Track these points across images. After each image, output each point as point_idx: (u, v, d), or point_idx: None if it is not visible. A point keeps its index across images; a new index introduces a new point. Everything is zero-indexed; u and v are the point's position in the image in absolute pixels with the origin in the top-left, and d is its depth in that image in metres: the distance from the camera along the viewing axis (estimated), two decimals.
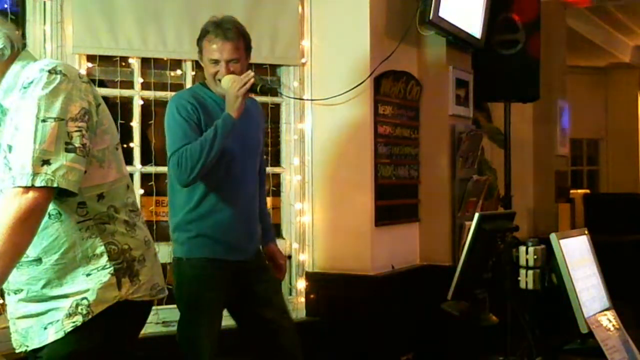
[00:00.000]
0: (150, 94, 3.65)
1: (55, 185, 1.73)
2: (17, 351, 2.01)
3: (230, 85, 2.79)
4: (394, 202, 4.16)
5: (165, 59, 3.74)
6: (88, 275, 1.90)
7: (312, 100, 4.05)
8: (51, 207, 1.83)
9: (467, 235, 2.48)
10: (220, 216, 2.85)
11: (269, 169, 4.01)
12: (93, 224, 1.91)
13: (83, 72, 3.45)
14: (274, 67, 4.02)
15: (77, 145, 1.79)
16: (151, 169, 3.63)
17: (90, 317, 1.88)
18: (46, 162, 1.74)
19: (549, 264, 2.35)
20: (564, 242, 2.35)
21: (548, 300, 2.38)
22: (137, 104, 3.62)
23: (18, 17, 3.31)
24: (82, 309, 1.88)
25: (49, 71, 1.82)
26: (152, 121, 3.65)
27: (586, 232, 2.58)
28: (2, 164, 1.84)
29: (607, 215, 7.62)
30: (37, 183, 1.72)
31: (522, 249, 2.41)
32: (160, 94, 3.67)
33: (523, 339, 2.48)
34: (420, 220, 4.42)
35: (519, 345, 2.61)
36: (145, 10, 3.60)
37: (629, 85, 10.60)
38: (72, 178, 1.77)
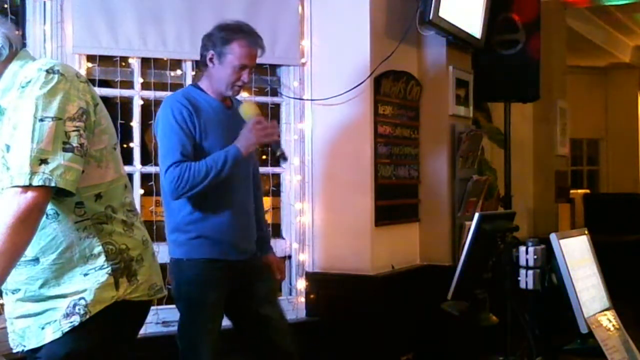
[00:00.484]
0: (150, 94, 3.65)
1: (53, 184, 1.73)
2: (14, 351, 2.01)
3: (255, 126, 2.77)
4: (394, 202, 4.16)
5: (165, 59, 3.74)
6: (86, 275, 1.90)
7: (312, 100, 4.05)
8: (49, 207, 1.83)
9: (467, 235, 2.48)
10: (218, 217, 2.85)
11: (269, 169, 4.01)
12: (91, 224, 1.91)
13: (82, 72, 3.46)
14: (274, 67, 4.02)
15: (74, 145, 1.79)
16: (151, 169, 3.63)
17: (87, 317, 1.87)
18: (44, 162, 1.74)
19: (549, 264, 2.35)
20: (564, 242, 2.35)
21: (548, 300, 2.38)
22: (137, 104, 3.62)
23: (18, 17, 3.31)
24: (79, 309, 1.87)
25: (47, 71, 1.82)
26: (152, 121, 3.64)
27: (586, 232, 2.58)
28: (0, 163, 1.84)
29: (607, 215, 7.62)
30: (35, 182, 1.72)
31: (522, 249, 2.40)
32: (160, 94, 3.66)
33: (523, 339, 2.48)
34: (420, 220, 4.42)
35: (519, 345, 2.61)
36: (145, 10, 3.60)
37: (629, 85, 10.60)
38: (70, 178, 1.77)
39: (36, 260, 1.89)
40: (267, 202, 3.83)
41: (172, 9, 3.67)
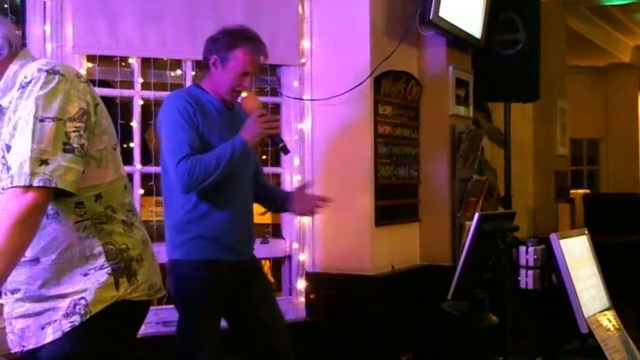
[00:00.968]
0: (150, 94, 3.65)
1: (53, 185, 1.73)
2: (12, 351, 2.01)
3: (257, 118, 2.78)
4: (394, 202, 4.16)
5: (165, 59, 3.74)
6: (86, 275, 1.90)
7: (312, 100, 4.05)
8: (49, 207, 1.82)
9: (467, 235, 2.48)
10: (217, 217, 2.85)
11: (269, 169, 4.01)
12: (91, 224, 1.91)
13: (83, 72, 3.45)
14: (274, 67, 4.02)
15: (75, 145, 1.79)
16: (151, 169, 3.63)
17: (88, 317, 1.87)
18: (44, 162, 1.73)
19: (549, 264, 2.35)
20: (564, 242, 2.35)
21: (548, 300, 2.38)
22: (137, 104, 3.62)
23: (18, 17, 3.31)
24: (80, 309, 1.87)
25: (47, 71, 1.82)
26: (152, 121, 3.64)
27: (586, 232, 2.58)
28: (0, 164, 1.83)
29: (607, 215, 7.62)
30: (35, 183, 1.71)
31: (522, 249, 2.41)
32: (160, 94, 3.66)
33: (523, 339, 2.48)
34: (420, 220, 4.42)
35: (519, 345, 2.61)
36: (145, 10, 3.59)
37: (629, 85, 10.59)
38: (70, 178, 1.77)
39: (36, 260, 1.89)
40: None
41: (172, 9, 3.67)
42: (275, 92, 4.06)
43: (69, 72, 1.86)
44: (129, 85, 3.64)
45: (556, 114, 6.52)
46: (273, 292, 3.22)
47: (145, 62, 3.67)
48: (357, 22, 3.98)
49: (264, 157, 3.87)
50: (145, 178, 3.65)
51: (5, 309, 2.00)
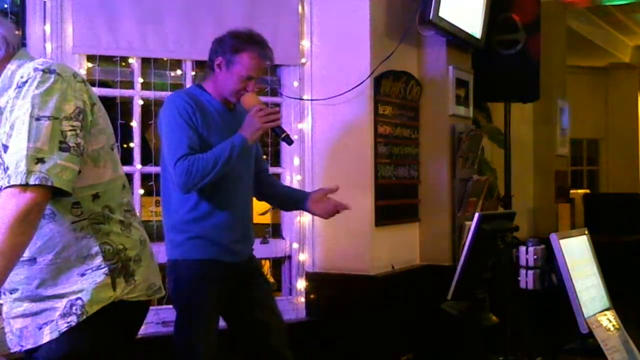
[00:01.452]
0: (150, 94, 3.65)
1: (49, 183, 1.73)
2: (11, 351, 2.01)
3: (256, 112, 2.77)
4: (394, 202, 4.16)
5: (165, 59, 3.74)
6: (83, 275, 1.89)
7: (312, 100, 4.05)
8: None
9: (467, 235, 2.48)
10: (217, 218, 2.85)
11: (269, 169, 4.00)
12: (88, 224, 1.90)
13: (83, 72, 3.45)
14: (274, 67, 4.02)
15: (71, 144, 1.79)
16: (151, 169, 3.63)
17: (84, 317, 1.87)
18: (40, 161, 1.73)
19: (549, 264, 2.35)
20: (564, 242, 2.35)
21: (548, 300, 2.38)
22: (137, 104, 3.62)
23: (18, 17, 3.31)
24: (76, 309, 1.87)
25: (44, 70, 1.81)
26: (152, 121, 3.64)
27: (586, 232, 2.58)
28: None
29: (607, 215, 7.62)
30: (32, 181, 1.71)
31: (522, 249, 2.41)
32: (160, 94, 3.66)
33: (523, 339, 2.48)
34: (420, 220, 4.42)
35: (519, 345, 2.61)
36: (145, 10, 3.59)
37: (629, 85, 10.60)
38: (66, 177, 1.76)
39: (33, 260, 1.88)
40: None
41: (172, 9, 3.67)
42: (275, 92, 4.06)
43: (66, 72, 1.86)
44: (129, 85, 3.64)
45: (556, 114, 6.52)
46: (272, 292, 3.22)
47: (145, 62, 3.66)
48: (357, 22, 3.98)
49: (264, 157, 3.86)
50: (145, 178, 3.64)
51: (4, 308, 2.00)
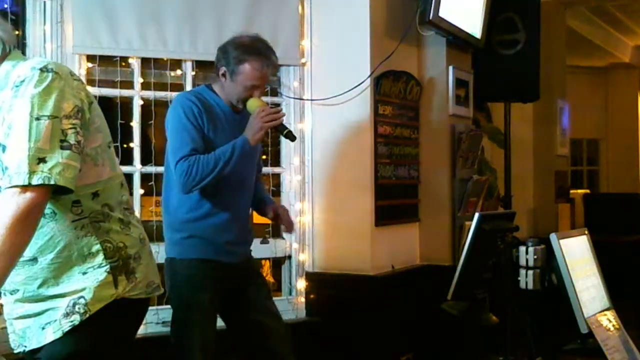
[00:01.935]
0: (150, 94, 3.65)
1: (52, 182, 1.72)
2: (15, 352, 2.01)
3: (258, 113, 2.78)
4: (394, 202, 4.16)
5: (165, 59, 3.74)
6: (84, 273, 1.89)
7: (312, 100, 4.05)
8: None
9: (467, 235, 2.48)
10: (216, 219, 2.85)
11: (269, 169, 4.02)
12: (88, 223, 1.90)
13: (83, 72, 3.45)
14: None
15: (72, 142, 1.79)
16: (151, 169, 3.63)
17: (87, 315, 1.87)
18: (42, 160, 1.73)
19: (549, 264, 2.35)
20: (564, 242, 2.35)
21: (548, 300, 2.38)
22: (137, 104, 3.62)
23: (18, 17, 3.31)
24: (79, 308, 1.87)
25: (41, 69, 1.81)
26: (152, 121, 3.64)
27: (586, 232, 2.58)
28: None
29: (607, 215, 7.61)
30: (34, 181, 1.71)
31: (522, 249, 2.41)
32: (160, 94, 3.66)
33: (523, 339, 2.48)
34: (420, 220, 4.42)
35: (519, 345, 2.61)
36: (145, 10, 3.59)
37: (629, 85, 10.59)
38: (69, 175, 1.76)
39: (34, 260, 1.88)
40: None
41: (172, 9, 3.67)
42: (275, 92, 4.06)
43: (62, 70, 1.86)
44: (129, 85, 3.64)
45: (556, 114, 6.52)
46: (270, 293, 3.21)
47: (145, 62, 3.66)
48: (357, 22, 3.98)
49: (264, 157, 3.87)
50: (145, 178, 3.64)
51: (5, 309, 2.00)
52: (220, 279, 2.87)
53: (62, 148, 1.76)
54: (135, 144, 3.60)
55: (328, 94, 3.98)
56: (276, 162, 4.08)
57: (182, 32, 3.67)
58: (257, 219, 4.08)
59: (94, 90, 3.39)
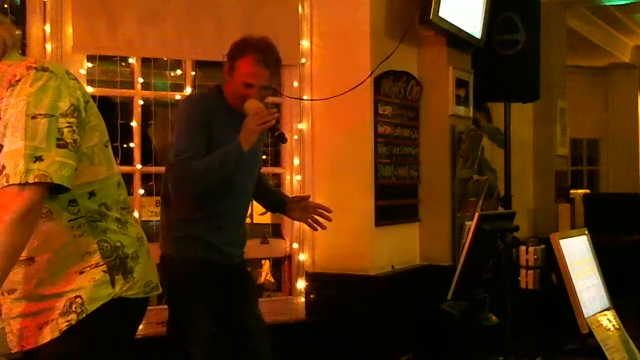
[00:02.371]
0: (150, 94, 3.65)
1: (49, 180, 1.72)
2: (13, 351, 2.00)
3: (252, 116, 2.73)
4: (394, 202, 4.16)
5: (165, 59, 3.74)
6: (81, 273, 1.89)
7: (312, 100, 4.05)
8: None
9: (467, 235, 2.48)
10: (214, 221, 2.86)
11: (269, 169, 4.01)
12: (85, 222, 1.90)
13: (83, 72, 3.45)
14: None
15: (68, 141, 1.78)
16: (151, 169, 3.63)
17: (84, 315, 1.86)
18: (38, 159, 1.73)
19: (549, 264, 2.35)
20: (564, 242, 2.35)
21: (548, 300, 2.38)
22: (137, 104, 3.62)
23: (18, 17, 3.31)
24: (76, 307, 1.87)
25: (36, 68, 1.81)
26: (152, 121, 3.64)
27: (586, 232, 2.58)
28: None
29: (607, 215, 7.61)
30: (31, 180, 1.70)
31: (522, 249, 2.41)
32: (160, 94, 3.66)
33: (523, 339, 2.48)
34: (420, 220, 4.42)
35: (519, 345, 2.61)
36: (145, 10, 3.59)
37: (629, 85, 10.59)
38: (66, 173, 1.76)
39: (31, 259, 1.88)
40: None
41: (172, 9, 3.66)
42: (275, 92, 4.06)
43: (58, 69, 1.86)
44: (129, 85, 3.64)
45: (556, 114, 6.52)
46: (256, 294, 3.22)
47: (145, 62, 3.66)
48: (357, 22, 3.98)
49: (264, 157, 3.87)
50: (145, 178, 3.64)
51: (3, 309, 2.00)
52: (214, 278, 2.88)
53: (58, 146, 1.76)
54: (135, 144, 3.60)
55: (328, 94, 3.98)
56: (276, 162, 4.08)
57: (182, 32, 3.67)
58: (257, 219, 4.09)
59: (94, 90, 3.39)
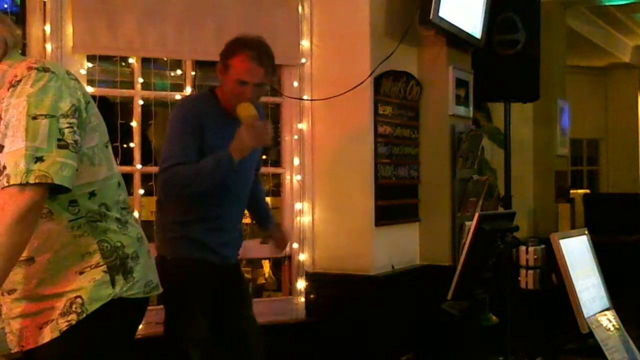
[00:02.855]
0: (150, 94, 3.65)
1: (49, 181, 1.72)
2: (12, 351, 2.00)
3: (248, 129, 2.70)
4: (394, 202, 4.16)
5: (165, 59, 3.74)
6: (81, 273, 1.89)
7: (312, 100, 4.05)
8: None
9: (467, 235, 2.48)
10: (209, 222, 2.86)
11: (269, 169, 4.01)
12: (85, 222, 1.90)
13: (83, 72, 3.45)
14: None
15: (69, 141, 1.78)
16: (151, 169, 3.62)
17: (84, 315, 1.87)
18: (39, 159, 1.73)
19: (549, 264, 2.35)
20: (564, 242, 2.35)
21: (548, 300, 2.38)
22: (137, 104, 3.62)
23: (18, 17, 3.31)
24: (76, 308, 1.87)
25: (37, 69, 1.81)
26: (152, 121, 3.64)
27: (586, 232, 2.58)
28: None
29: (607, 215, 7.62)
30: (32, 180, 1.71)
31: (522, 249, 2.41)
32: (160, 94, 3.66)
33: (523, 339, 2.48)
34: (420, 220, 4.42)
35: (519, 345, 2.61)
36: (145, 10, 3.59)
37: (629, 85, 10.60)
38: (66, 174, 1.76)
39: (31, 259, 1.88)
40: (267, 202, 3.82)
41: (172, 9, 3.66)
42: (275, 92, 4.06)
43: (59, 70, 1.86)
44: (129, 85, 3.64)
45: (556, 114, 6.52)
46: (250, 296, 3.23)
47: (145, 62, 3.66)
48: (357, 22, 3.98)
49: (263, 157, 3.87)
50: (145, 178, 3.64)
51: (3, 309, 2.00)
52: (209, 278, 2.88)
53: (59, 147, 1.76)
54: (135, 144, 3.60)
55: (328, 94, 3.98)
56: (276, 162, 4.08)
57: (182, 32, 3.67)
58: None
59: (94, 90, 3.39)
